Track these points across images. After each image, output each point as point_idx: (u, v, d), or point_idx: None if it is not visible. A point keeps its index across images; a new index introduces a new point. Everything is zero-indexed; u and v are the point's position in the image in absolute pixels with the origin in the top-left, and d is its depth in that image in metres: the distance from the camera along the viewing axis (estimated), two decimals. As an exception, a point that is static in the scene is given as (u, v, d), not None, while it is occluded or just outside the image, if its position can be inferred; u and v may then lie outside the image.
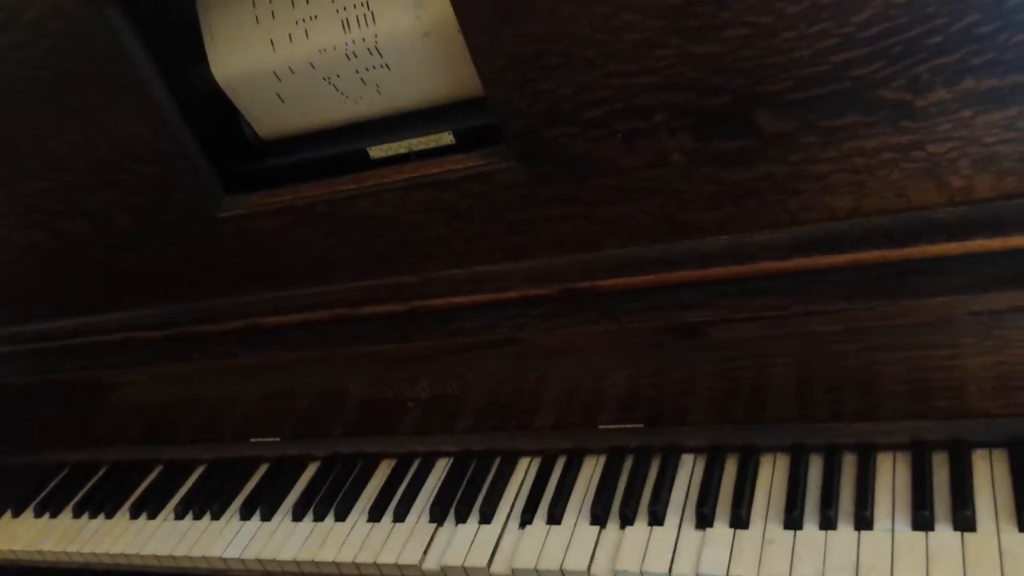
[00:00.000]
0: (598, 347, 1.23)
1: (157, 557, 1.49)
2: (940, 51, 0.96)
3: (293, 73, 1.29)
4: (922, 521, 1.04)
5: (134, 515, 1.59)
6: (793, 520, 1.10)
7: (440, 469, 1.41)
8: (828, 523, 1.08)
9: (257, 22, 1.29)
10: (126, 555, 1.52)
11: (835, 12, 0.97)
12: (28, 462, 1.83)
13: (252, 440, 1.57)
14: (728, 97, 1.06)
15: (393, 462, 1.46)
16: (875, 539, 1.04)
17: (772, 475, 1.18)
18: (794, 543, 1.08)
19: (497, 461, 1.37)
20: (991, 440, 1.10)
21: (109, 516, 1.62)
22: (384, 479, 1.43)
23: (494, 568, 1.22)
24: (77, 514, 1.66)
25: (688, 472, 1.23)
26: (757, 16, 1.00)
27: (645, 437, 1.27)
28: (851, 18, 0.97)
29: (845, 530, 1.07)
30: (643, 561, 1.12)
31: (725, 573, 1.07)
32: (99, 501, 1.65)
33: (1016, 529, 1.00)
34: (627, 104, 1.10)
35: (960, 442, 1.11)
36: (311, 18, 1.25)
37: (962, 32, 0.95)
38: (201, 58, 1.33)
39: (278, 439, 1.55)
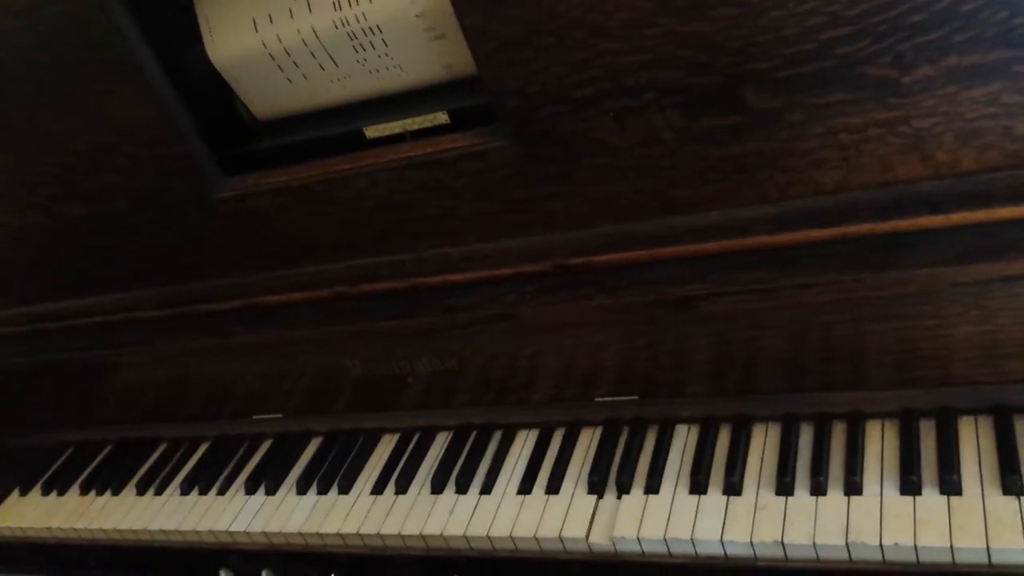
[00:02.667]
0: (592, 322, 1.25)
1: (164, 532, 1.52)
2: (924, 29, 0.98)
3: (289, 54, 1.31)
4: (910, 486, 1.07)
5: (140, 491, 1.62)
6: (785, 486, 1.13)
7: (440, 443, 1.44)
8: (818, 489, 1.11)
9: (252, 3, 1.30)
10: (133, 530, 1.55)
11: (823, -9, 0.99)
12: (34, 442, 1.86)
13: (255, 417, 1.60)
14: (717, 75, 1.07)
15: (394, 437, 1.49)
16: (864, 504, 1.08)
17: (764, 443, 1.21)
18: (785, 509, 1.11)
19: (497, 434, 1.40)
20: (977, 407, 1.13)
21: (116, 493, 1.65)
22: (386, 453, 1.46)
23: (494, 537, 1.24)
24: (84, 491, 1.69)
25: (683, 442, 1.26)
26: (745, -5, 1.02)
27: (640, 408, 1.30)
28: (838, -4, 0.99)
29: (835, 495, 1.10)
30: (640, 528, 1.16)
31: (719, 538, 1.11)
32: (105, 478, 1.68)
33: (1000, 492, 1.03)
34: (618, 83, 1.12)
35: (947, 409, 1.14)
36: (308, 16, 1.26)
37: (945, 10, 0.97)
38: (197, 40, 1.35)
39: (281, 416, 1.58)
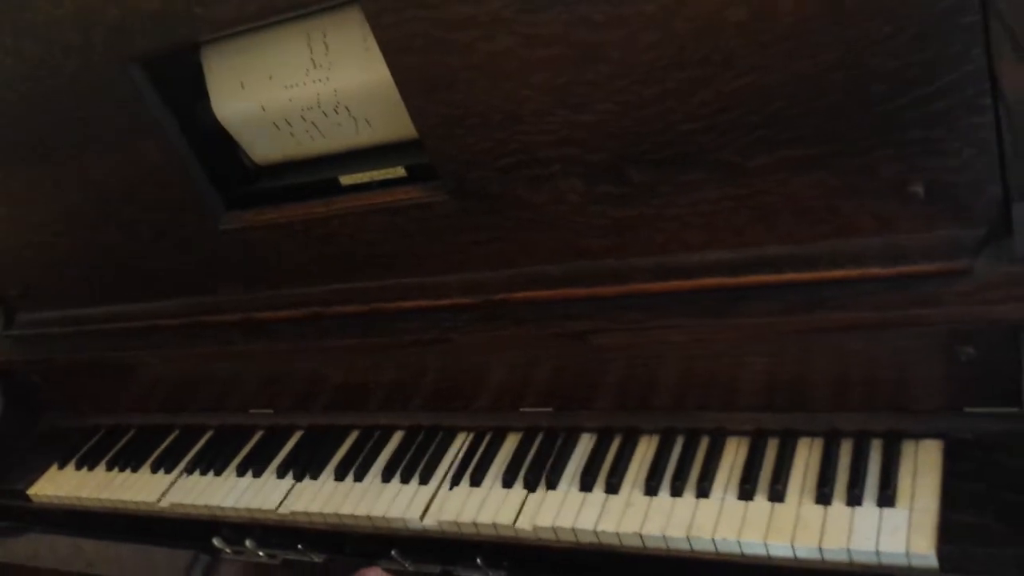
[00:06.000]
0: (512, 347, 1.52)
1: (171, 505, 1.82)
2: (759, 126, 1.22)
3: (280, 116, 1.59)
4: (745, 492, 1.32)
5: (154, 470, 1.92)
6: (651, 488, 1.38)
7: (395, 440, 1.71)
8: (676, 492, 1.36)
9: (249, 70, 1.59)
10: (147, 503, 1.85)
11: (680, 95, 1.24)
12: (71, 424, 2.18)
13: (250, 411, 1.90)
14: (605, 154, 1.33)
15: (358, 433, 1.77)
16: (708, 506, 1.32)
17: (645, 452, 1.46)
18: (648, 507, 1.36)
19: (439, 435, 1.67)
20: (815, 430, 1.37)
21: (135, 470, 1.95)
22: (349, 446, 1.74)
23: (426, 521, 1.52)
24: (110, 468, 1.99)
25: (584, 448, 1.51)
26: (622, 96, 1.26)
27: (554, 419, 1.56)
28: (691, 99, 1.23)
29: (688, 498, 1.35)
30: (535, 517, 1.42)
31: (594, 528, 1.36)
32: (127, 458, 1.99)
33: (813, 502, 1.27)
34: (531, 156, 1.37)
35: (791, 431, 1.38)
36: (292, 86, 1.55)
37: (775, 113, 1.20)
38: (206, 97, 1.63)
39: (271, 411, 1.88)
